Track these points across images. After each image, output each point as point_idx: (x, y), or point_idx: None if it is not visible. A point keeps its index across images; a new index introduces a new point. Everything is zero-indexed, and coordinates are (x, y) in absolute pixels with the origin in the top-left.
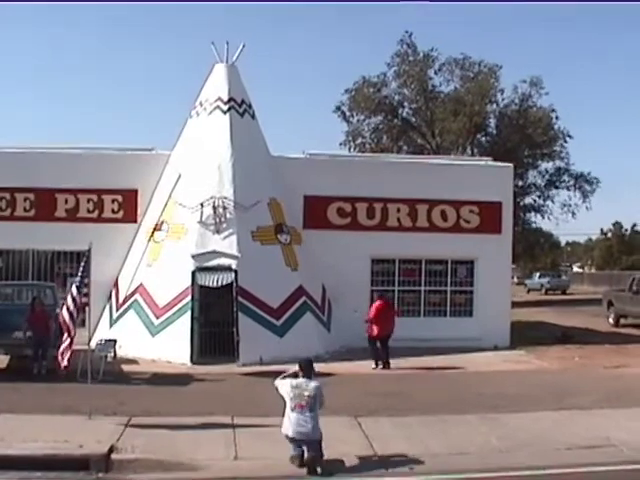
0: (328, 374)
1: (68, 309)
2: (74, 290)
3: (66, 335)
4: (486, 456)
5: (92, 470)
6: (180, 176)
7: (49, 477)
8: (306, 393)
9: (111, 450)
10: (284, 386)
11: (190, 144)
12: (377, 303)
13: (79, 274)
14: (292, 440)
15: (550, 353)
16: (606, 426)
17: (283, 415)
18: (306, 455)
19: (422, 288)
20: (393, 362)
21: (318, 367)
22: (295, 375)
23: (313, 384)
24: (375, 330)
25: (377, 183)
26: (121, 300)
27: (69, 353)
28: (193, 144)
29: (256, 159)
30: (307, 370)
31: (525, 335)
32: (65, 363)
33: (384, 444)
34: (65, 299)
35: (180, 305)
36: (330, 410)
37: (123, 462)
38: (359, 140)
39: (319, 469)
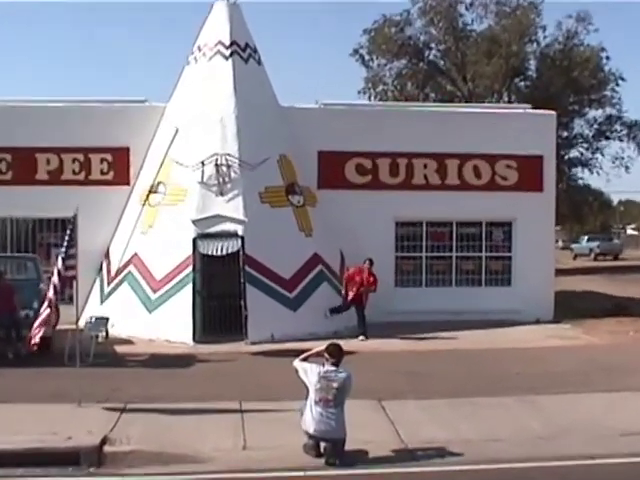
0: (348, 352)
1: (52, 282)
2: (59, 262)
3: (44, 307)
4: (525, 443)
5: (82, 465)
6: (177, 131)
7: (34, 474)
8: (335, 385)
9: (104, 442)
10: (309, 373)
11: (188, 95)
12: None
13: (64, 244)
14: (312, 437)
15: (600, 327)
16: None
17: (300, 401)
18: (324, 445)
19: (453, 254)
20: (420, 337)
21: (340, 342)
22: (319, 356)
23: (343, 375)
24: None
25: (401, 136)
26: (113, 273)
27: (42, 330)
28: (191, 95)
29: (263, 110)
30: (337, 357)
31: (571, 307)
32: (35, 340)
33: (411, 430)
34: (52, 273)
35: (180, 277)
36: (352, 392)
37: (117, 455)
38: (380, 87)
39: (338, 461)
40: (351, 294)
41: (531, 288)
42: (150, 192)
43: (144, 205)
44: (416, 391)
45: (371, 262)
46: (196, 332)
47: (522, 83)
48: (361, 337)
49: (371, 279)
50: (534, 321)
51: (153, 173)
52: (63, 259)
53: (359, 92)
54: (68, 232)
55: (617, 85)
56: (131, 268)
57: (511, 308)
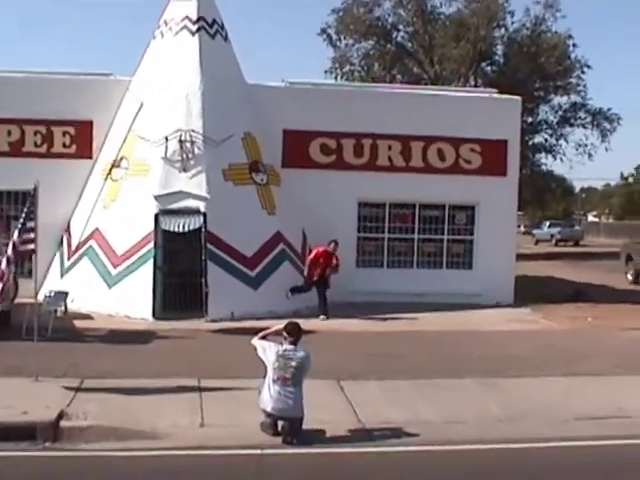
0: (308, 332)
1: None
2: (15, 235)
3: None
4: (485, 426)
5: (38, 439)
6: (142, 106)
7: None
8: (293, 364)
9: (60, 416)
10: (268, 351)
11: (153, 69)
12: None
13: (22, 216)
14: (270, 416)
15: (560, 312)
16: (620, 395)
17: (258, 379)
18: (282, 424)
19: (415, 236)
20: (381, 318)
21: (299, 322)
22: (277, 334)
23: (301, 354)
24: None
25: (366, 117)
26: (74, 247)
27: None
28: (157, 69)
29: (229, 87)
30: (296, 336)
31: (532, 291)
32: None
33: (369, 411)
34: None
35: (141, 253)
36: (311, 372)
37: (74, 430)
38: (347, 67)
39: (295, 440)
40: (316, 276)
41: (492, 272)
42: (113, 166)
43: (106, 179)
44: (376, 372)
45: (336, 244)
46: (156, 308)
47: (489, 68)
48: (322, 317)
49: (335, 262)
50: (494, 304)
51: (116, 147)
52: (20, 232)
53: (326, 72)
54: (27, 205)
55: (583, 73)
56: (92, 243)
57: (472, 291)
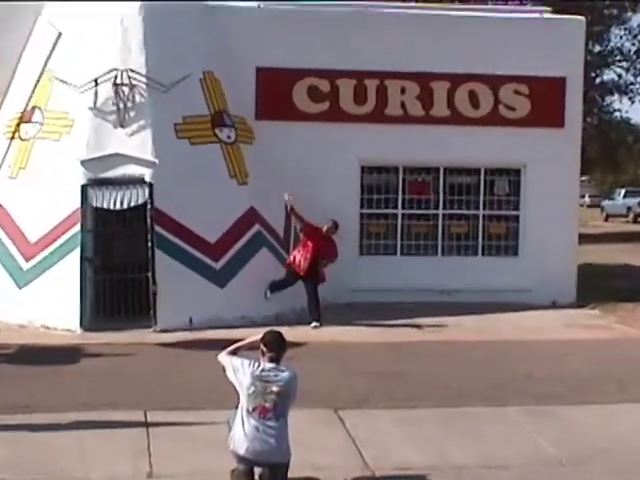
0: (294, 344)
1: None
2: None
3: None
4: (537, 472)
5: None
6: (60, 36)
7: None
8: (274, 388)
9: None
10: (240, 371)
11: None
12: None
13: None
14: (244, 460)
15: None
16: None
17: (227, 411)
18: (260, 472)
19: (440, 212)
20: (393, 324)
21: (282, 330)
22: (253, 348)
23: (286, 374)
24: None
25: (371, 48)
26: None
27: None
28: None
29: (181, 10)
30: (277, 350)
31: (601, 286)
32: None
33: (379, 451)
34: None
35: (63, 239)
36: (299, 399)
37: None
38: None
39: None
40: (302, 264)
41: (545, 260)
42: (21, 121)
43: (12, 139)
44: (387, 398)
45: (336, 226)
46: (85, 315)
47: None
48: (314, 323)
49: (332, 248)
50: (550, 304)
51: (25, 94)
52: None
53: None
54: None
55: None
56: None
57: (518, 286)
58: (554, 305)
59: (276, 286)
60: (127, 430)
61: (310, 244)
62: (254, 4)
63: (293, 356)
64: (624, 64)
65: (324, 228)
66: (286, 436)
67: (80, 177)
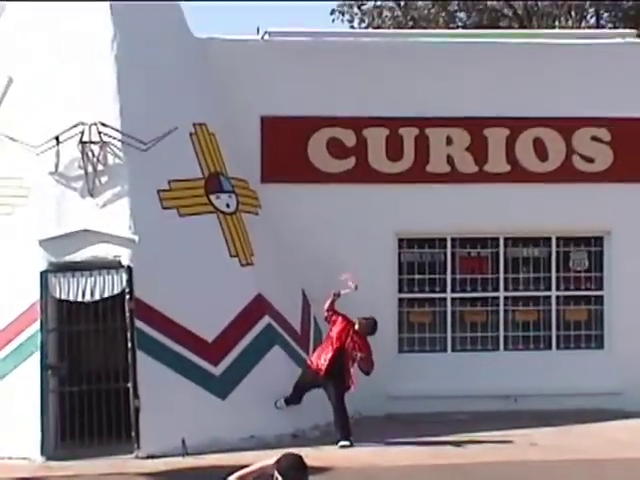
0: (318, 468)
1: None
2: None
3: None
4: None
5: None
6: (11, 82)
7: None
8: None
9: None
10: None
11: (32, 19)
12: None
13: None
14: None
15: None
16: None
17: None
18: None
19: (501, 294)
20: (445, 440)
21: (302, 453)
22: (263, 475)
23: None
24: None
25: (407, 87)
26: None
27: None
28: (38, 18)
29: (165, 47)
30: (296, 477)
31: None
32: None
33: None
34: None
35: (17, 342)
36: None
37: None
38: (369, 3)
39: None
40: (321, 361)
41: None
42: None
43: None
44: None
45: (373, 326)
46: (47, 440)
47: None
48: (342, 442)
49: (362, 349)
50: None
51: None
52: None
53: (334, 12)
54: None
55: None
56: None
57: (605, 388)
58: None
59: (292, 399)
60: None
61: (333, 336)
62: (255, 37)
63: None
64: None
65: (356, 324)
66: None
67: (39, 261)
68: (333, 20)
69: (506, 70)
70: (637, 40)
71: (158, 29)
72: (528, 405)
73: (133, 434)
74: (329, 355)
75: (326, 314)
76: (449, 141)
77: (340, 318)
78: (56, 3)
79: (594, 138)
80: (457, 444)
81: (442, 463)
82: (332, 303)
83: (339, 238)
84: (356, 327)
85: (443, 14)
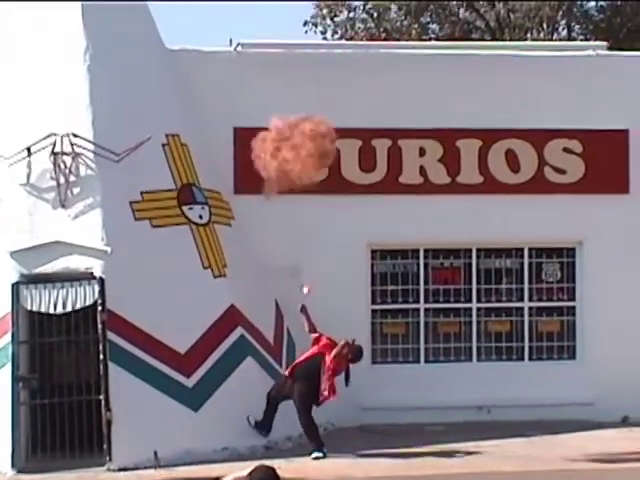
0: None
1: None
2: None
3: None
4: None
5: None
6: None
7: None
8: None
9: None
10: None
11: (3, 29)
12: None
13: None
14: None
15: None
16: None
17: None
18: None
19: (473, 305)
20: (418, 452)
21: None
22: None
23: None
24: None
25: (380, 98)
26: None
27: None
28: (9, 29)
29: (137, 59)
30: None
31: None
32: None
33: None
34: None
35: None
36: None
37: None
38: (342, 15)
39: None
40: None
41: (612, 363)
42: None
43: None
44: None
45: (359, 354)
46: (18, 452)
47: (593, 3)
48: (315, 454)
49: (337, 364)
50: (619, 421)
51: None
52: None
53: (306, 24)
54: None
55: None
56: None
57: (577, 399)
58: (625, 423)
59: (262, 425)
60: None
61: (315, 350)
62: (228, 48)
63: None
64: None
65: (340, 347)
66: None
67: (10, 273)
68: (306, 32)
69: (478, 82)
70: (608, 52)
71: (130, 41)
72: (501, 416)
73: (105, 446)
74: (301, 358)
75: (312, 336)
76: (422, 152)
77: (324, 337)
78: (28, 12)
79: (566, 150)
80: (425, 454)
81: (416, 474)
82: (310, 323)
83: (312, 249)
84: (344, 350)
85: (416, 26)
